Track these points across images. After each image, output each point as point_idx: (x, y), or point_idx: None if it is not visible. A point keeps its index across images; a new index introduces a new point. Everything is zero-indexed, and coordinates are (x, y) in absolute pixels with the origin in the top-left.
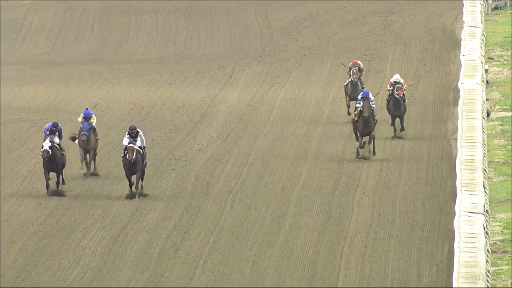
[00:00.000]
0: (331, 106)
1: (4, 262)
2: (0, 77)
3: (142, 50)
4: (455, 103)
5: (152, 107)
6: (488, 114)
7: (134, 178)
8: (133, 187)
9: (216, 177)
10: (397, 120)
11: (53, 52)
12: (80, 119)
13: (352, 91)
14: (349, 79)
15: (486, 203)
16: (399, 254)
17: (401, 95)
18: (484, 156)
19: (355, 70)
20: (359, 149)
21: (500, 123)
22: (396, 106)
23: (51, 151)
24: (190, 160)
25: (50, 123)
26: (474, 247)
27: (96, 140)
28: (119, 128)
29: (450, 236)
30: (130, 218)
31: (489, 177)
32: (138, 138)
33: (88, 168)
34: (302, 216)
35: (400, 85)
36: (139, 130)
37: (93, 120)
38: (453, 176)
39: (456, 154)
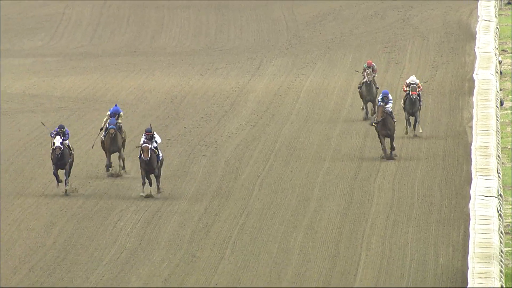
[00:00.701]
0: (354, 95)
1: (44, 243)
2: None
3: (175, 43)
4: (471, 93)
5: (184, 96)
6: (501, 103)
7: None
8: (147, 186)
9: (245, 163)
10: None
11: (90, 44)
12: (104, 120)
13: (367, 93)
14: (364, 80)
15: (500, 187)
16: (417, 235)
17: (415, 96)
18: (498, 143)
19: (369, 71)
20: (383, 151)
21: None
22: (411, 105)
23: (62, 150)
24: (220, 146)
25: (58, 126)
26: (488, 229)
27: (123, 139)
28: (153, 116)
29: (465, 218)
30: (163, 201)
31: (502, 163)
32: (154, 138)
33: (122, 165)
34: (325, 200)
35: (415, 85)
36: (154, 132)
37: (121, 119)
38: (469, 161)
39: (471, 141)
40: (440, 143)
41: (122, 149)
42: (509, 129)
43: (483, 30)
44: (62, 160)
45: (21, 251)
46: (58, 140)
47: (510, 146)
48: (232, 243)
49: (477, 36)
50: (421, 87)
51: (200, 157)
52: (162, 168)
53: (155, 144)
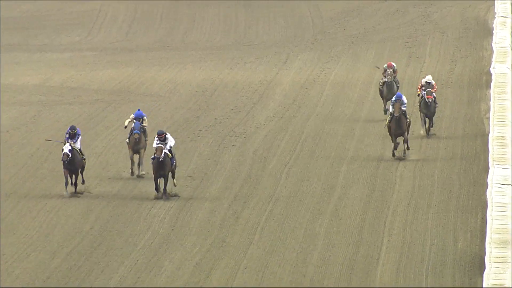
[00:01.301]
0: (376, 88)
1: (81, 229)
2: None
3: (206, 38)
4: (488, 86)
5: (215, 89)
6: None
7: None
8: (161, 189)
9: (273, 153)
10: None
11: (126, 40)
12: (128, 121)
13: (388, 92)
14: (384, 80)
15: None
16: (437, 221)
17: (430, 100)
18: None
19: (390, 71)
20: (394, 151)
21: None
22: (427, 107)
23: (71, 154)
24: (249, 137)
25: (69, 128)
26: (505, 215)
27: (146, 142)
28: (185, 108)
29: (483, 205)
30: (195, 189)
31: None
32: (167, 142)
33: (138, 167)
34: (349, 188)
35: (430, 90)
36: (167, 133)
37: (145, 123)
38: (486, 151)
39: (489, 132)
40: (458, 134)
41: (143, 150)
42: None
43: (500, 26)
44: (73, 165)
45: (60, 236)
46: (67, 147)
47: None
48: (260, 229)
49: (494, 31)
50: (436, 88)
51: (230, 147)
52: (175, 173)
53: (168, 147)
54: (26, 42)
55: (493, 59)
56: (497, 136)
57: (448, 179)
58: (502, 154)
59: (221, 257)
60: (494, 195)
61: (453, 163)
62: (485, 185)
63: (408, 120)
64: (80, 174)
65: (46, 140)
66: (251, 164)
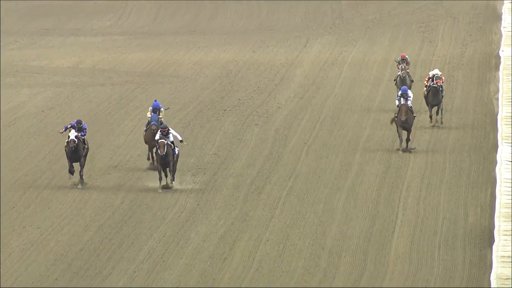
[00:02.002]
0: (391, 70)
1: (112, 203)
2: (74, 46)
3: (230, 23)
4: (497, 68)
5: (238, 71)
6: None
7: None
8: (163, 180)
9: (293, 131)
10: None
11: (154, 24)
12: (149, 114)
13: (402, 85)
14: (398, 73)
15: None
16: (449, 197)
17: (439, 84)
18: None
19: (403, 66)
20: (400, 143)
21: None
22: (434, 96)
23: (77, 140)
24: (270, 116)
25: (75, 121)
26: None
27: None
28: (210, 89)
29: (492, 181)
30: (219, 166)
31: None
32: (170, 135)
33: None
34: (366, 164)
35: (439, 75)
36: (169, 128)
37: (162, 115)
38: (495, 130)
39: (497, 112)
40: (469, 114)
41: None
42: None
43: (508, 11)
44: (76, 153)
45: (91, 211)
46: (73, 134)
47: None
48: (281, 204)
49: (502, 16)
50: (444, 80)
51: (253, 126)
52: (178, 163)
53: (171, 139)
54: (60, 27)
55: (502, 43)
56: (505, 116)
57: (459, 156)
58: (510, 133)
59: (245, 230)
60: (502, 171)
61: (464, 141)
62: (494, 162)
63: (414, 115)
64: (82, 164)
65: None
66: (273, 142)
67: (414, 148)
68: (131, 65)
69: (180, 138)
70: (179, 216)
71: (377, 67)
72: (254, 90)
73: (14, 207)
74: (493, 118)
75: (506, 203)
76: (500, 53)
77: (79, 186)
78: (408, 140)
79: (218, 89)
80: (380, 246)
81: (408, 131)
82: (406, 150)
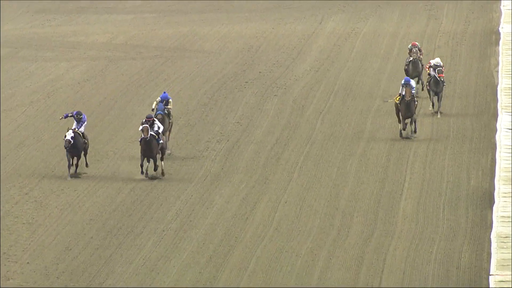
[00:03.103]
0: (399, 45)
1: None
2: (108, 23)
3: (251, 2)
4: (497, 43)
5: (259, 46)
6: None
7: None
8: (147, 169)
9: (309, 101)
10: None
11: (181, 3)
12: (155, 104)
13: (413, 70)
14: (410, 59)
15: None
16: (452, 161)
17: (442, 78)
18: None
19: (414, 50)
20: (402, 131)
21: None
22: (436, 85)
23: (73, 140)
24: (288, 88)
25: (75, 111)
26: None
27: (170, 123)
28: (233, 63)
29: (492, 147)
30: (241, 133)
31: None
32: (155, 126)
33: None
34: (376, 132)
35: (441, 69)
36: (155, 118)
37: (170, 106)
38: (495, 100)
39: (497, 83)
40: (471, 85)
41: (168, 132)
42: None
43: None
44: (75, 149)
45: (124, 175)
46: (69, 134)
47: None
48: (298, 168)
49: None
50: (444, 68)
51: (272, 96)
52: (164, 156)
53: (155, 129)
54: (95, 6)
55: (502, 20)
56: (505, 87)
57: (462, 124)
58: (509, 103)
59: (265, 193)
60: (502, 138)
61: (466, 111)
62: (494, 130)
63: (416, 103)
64: (84, 157)
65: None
66: (291, 112)
67: (416, 137)
68: (160, 40)
69: (161, 129)
70: (204, 180)
71: (386, 42)
72: (274, 64)
73: (53, 171)
74: (493, 89)
75: (505, 168)
76: (500, 29)
77: (81, 175)
78: (413, 130)
79: (240, 62)
80: (389, 207)
81: (412, 119)
82: (407, 137)
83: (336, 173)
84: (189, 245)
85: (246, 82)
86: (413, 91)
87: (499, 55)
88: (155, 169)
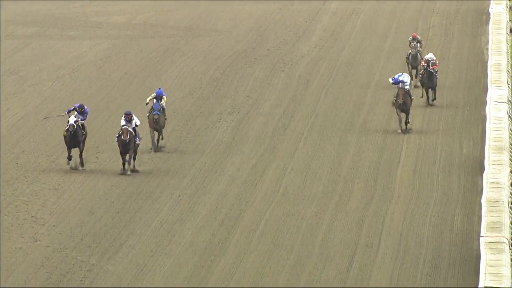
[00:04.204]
0: (397, 25)
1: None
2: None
3: None
4: (487, 23)
5: (267, 25)
6: (511, 30)
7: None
8: (126, 165)
9: (314, 76)
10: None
11: None
12: (149, 99)
13: (413, 61)
14: (409, 51)
15: (509, 95)
16: (446, 132)
17: (436, 69)
18: (508, 61)
19: (413, 44)
20: (400, 124)
21: None
22: (429, 79)
23: (74, 129)
24: (294, 64)
25: (77, 104)
26: (501, 127)
27: (165, 119)
28: (243, 41)
29: (483, 119)
30: (251, 105)
31: (511, 76)
32: (133, 122)
33: (157, 144)
34: (376, 105)
35: (434, 62)
36: (133, 115)
37: (164, 101)
38: (485, 75)
39: (488, 60)
40: (463, 62)
41: (162, 129)
42: None
43: None
44: (75, 139)
45: (142, 145)
46: (72, 119)
47: None
48: (304, 138)
49: None
50: (438, 63)
51: (280, 72)
52: (138, 150)
53: (133, 126)
54: None
55: (491, 1)
56: (494, 63)
57: (455, 98)
58: (498, 78)
59: (273, 160)
60: (492, 110)
61: (458, 85)
62: (484, 103)
63: (412, 98)
64: (81, 149)
65: (44, 119)
66: (296, 86)
67: (411, 129)
68: (176, 20)
69: (138, 123)
70: (216, 149)
71: (385, 22)
72: (281, 42)
73: None
74: (484, 65)
75: (494, 137)
76: (490, 10)
77: (80, 168)
78: (407, 122)
79: (250, 40)
80: (387, 174)
81: (407, 113)
82: (405, 131)
83: (338, 143)
84: (203, 209)
85: (255, 58)
86: (406, 86)
87: (489, 34)
88: (133, 165)
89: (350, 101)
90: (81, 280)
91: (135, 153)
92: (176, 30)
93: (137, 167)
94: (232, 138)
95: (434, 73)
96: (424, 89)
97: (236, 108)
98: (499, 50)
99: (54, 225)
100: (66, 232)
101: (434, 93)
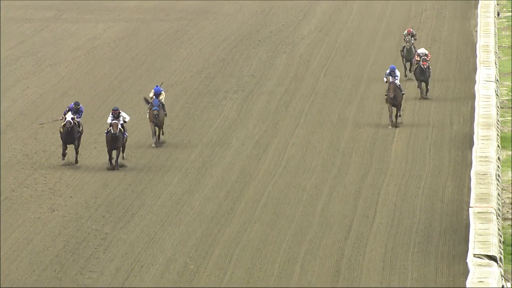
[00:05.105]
0: (392, 9)
1: (169, 115)
2: None
3: None
4: (476, 6)
5: (270, 9)
6: (498, 14)
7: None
8: (113, 161)
9: (314, 57)
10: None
11: None
12: (151, 94)
13: (408, 55)
14: (404, 45)
15: (497, 74)
16: (437, 109)
17: (425, 66)
18: (495, 43)
19: (408, 38)
20: (391, 118)
21: (506, 20)
22: (422, 73)
23: (72, 122)
24: (295, 45)
25: (72, 104)
26: (489, 104)
27: (165, 114)
28: (248, 24)
29: (472, 97)
30: (255, 85)
31: (499, 57)
32: (121, 118)
33: (158, 140)
34: (372, 83)
35: (425, 57)
36: (120, 111)
37: (162, 97)
38: (474, 56)
39: (476, 41)
40: (453, 43)
41: (162, 124)
42: (503, 32)
43: None
44: (71, 136)
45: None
46: (69, 116)
47: (504, 45)
48: (304, 115)
49: None
50: (430, 58)
51: (282, 53)
52: (126, 144)
53: (121, 122)
54: None
55: None
56: (483, 45)
57: (446, 77)
58: (487, 58)
59: (275, 136)
60: (480, 89)
61: (449, 65)
62: (474, 81)
63: (402, 93)
64: (76, 146)
65: (40, 124)
66: (297, 66)
67: (402, 123)
68: (184, 4)
69: (127, 119)
70: (223, 125)
71: (380, 6)
72: (283, 25)
73: (92, 117)
74: (473, 47)
75: (483, 114)
76: None
77: (74, 164)
78: (397, 116)
79: (254, 23)
80: (383, 148)
81: (397, 107)
82: (396, 125)
83: (337, 119)
84: (210, 181)
85: (259, 40)
86: (396, 79)
87: (477, 17)
88: (122, 158)
89: (348, 80)
90: (96, 248)
91: (124, 148)
92: (185, 14)
93: (146, 140)
94: (237, 115)
95: (425, 68)
96: (418, 81)
97: (241, 87)
98: (487, 32)
99: (70, 197)
100: (81, 203)
101: (426, 85)
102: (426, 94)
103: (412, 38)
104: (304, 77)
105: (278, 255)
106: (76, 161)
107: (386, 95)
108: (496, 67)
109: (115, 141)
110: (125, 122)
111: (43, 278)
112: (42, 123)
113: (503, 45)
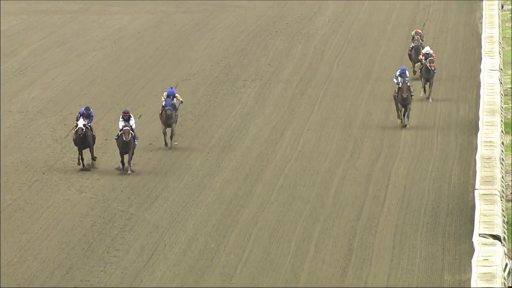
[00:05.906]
0: (400, 5)
1: (191, 102)
2: None
3: None
4: None
5: (286, 2)
6: (502, 7)
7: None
8: (126, 164)
9: (328, 47)
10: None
11: None
12: (163, 97)
13: (415, 55)
14: (412, 45)
15: (501, 63)
16: (444, 96)
17: (433, 67)
18: (500, 34)
19: (417, 37)
20: (399, 119)
21: (510, 12)
22: (427, 72)
23: (84, 132)
24: (310, 36)
25: (83, 108)
26: (493, 92)
27: (176, 116)
28: (265, 16)
29: (477, 85)
30: (272, 73)
31: (503, 47)
32: (131, 121)
33: (171, 139)
34: (382, 72)
35: (432, 58)
36: (130, 114)
37: (176, 100)
38: (479, 46)
39: (481, 32)
40: (460, 34)
41: (174, 124)
42: (507, 24)
43: None
44: (85, 141)
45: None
46: (81, 122)
47: (507, 36)
48: (319, 102)
49: None
50: (434, 56)
51: (297, 43)
52: (135, 149)
53: (131, 124)
54: None
55: None
56: (488, 36)
57: (452, 66)
58: (491, 49)
59: (291, 122)
60: (485, 77)
61: (455, 55)
62: (479, 70)
63: (412, 94)
64: (90, 150)
65: (65, 137)
66: (312, 56)
67: (410, 127)
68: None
69: (134, 126)
70: (241, 111)
71: (388, 5)
72: (298, 16)
73: (118, 104)
74: (478, 38)
75: (487, 101)
76: None
77: (92, 168)
78: (405, 115)
79: (271, 15)
80: (393, 133)
81: (406, 108)
82: (405, 126)
83: (349, 106)
84: (229, 164)
85: (276, 31)
86: (406, 80)
87: (483, 9)
88: (130, 161)
89: (360, 70)
90: (121, 228)
91: (132, 154)
92: (206, 6)
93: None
94: (255, 102)
95: (432, 69)
96: (422, 82)
97: (259, 76)
98: (491, 24)
99: (97, 179)
100: (108, 185)
101: (430, 85)
102: (429, 96)
103: (420, 39)
104: (318, 66)
105: (294, 235)
106: (93, 165)
107: (395, 95)
108: (500, 56)
109: (126, 146)
110: (132, 125)
111: (72, 256)
112: (67, 136)
113: (507, 36)
